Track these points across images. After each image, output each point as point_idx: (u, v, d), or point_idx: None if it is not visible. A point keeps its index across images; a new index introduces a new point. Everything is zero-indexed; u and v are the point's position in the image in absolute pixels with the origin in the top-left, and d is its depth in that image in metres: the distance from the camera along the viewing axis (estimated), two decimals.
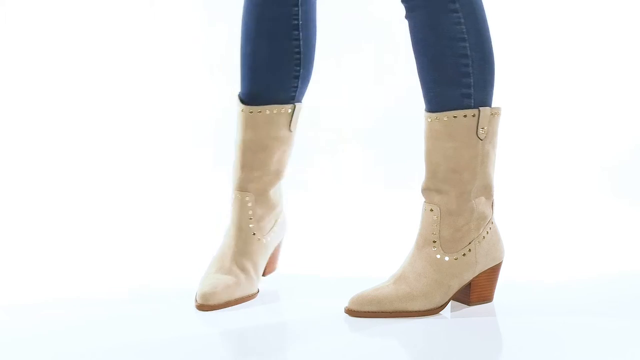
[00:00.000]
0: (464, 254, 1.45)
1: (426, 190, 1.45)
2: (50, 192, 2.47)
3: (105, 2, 2.74)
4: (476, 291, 1.48)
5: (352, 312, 1.42)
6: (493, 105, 1.46)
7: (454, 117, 1.41)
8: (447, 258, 1.44)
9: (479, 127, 1.42)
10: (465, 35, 1.41)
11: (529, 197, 2.55)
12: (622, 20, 2.79)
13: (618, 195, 2.56)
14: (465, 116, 1.41)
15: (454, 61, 1.41)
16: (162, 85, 2.77)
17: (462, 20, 1.41)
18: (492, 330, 1.38)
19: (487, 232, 1.47)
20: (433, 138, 1.43)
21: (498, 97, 2.90)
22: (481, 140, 1.43)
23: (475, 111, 1.41)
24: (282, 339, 1.30)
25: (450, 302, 1.48)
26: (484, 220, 1.46)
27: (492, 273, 1.49)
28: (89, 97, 2.73)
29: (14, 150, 2.61)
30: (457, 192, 1.43)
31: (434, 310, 1.43)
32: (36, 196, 2.44)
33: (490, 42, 1.44)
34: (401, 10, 1.46)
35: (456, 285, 1.44)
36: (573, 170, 2.69)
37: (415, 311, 1.42)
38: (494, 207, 1.50)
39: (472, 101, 1.42)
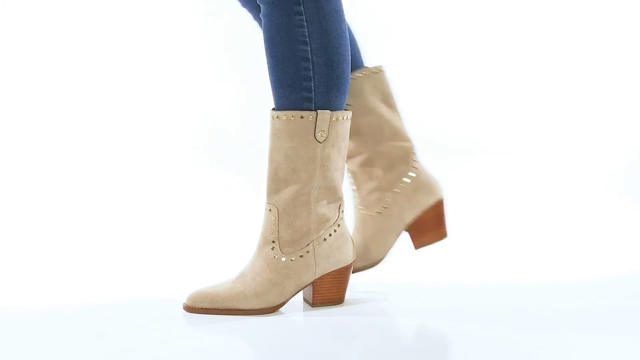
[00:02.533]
0: (302, 255, 1.44)
1: (268, 189, 1.45)
2: (42, 193, 2.50)
3: (106, 1, 2.80)
4: (319, 293, 1.47)
5: (187, 308, 1.44)
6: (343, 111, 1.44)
7: (292, 117, 1.41)
8: (283, 259, 1.44)
9: (317, 130, 1.42)
10: (307, 39, 1.41)
11: (529, 197, 2.51)
12: (627, 23, 2.75)
13: (619, 195, 2.50)
14: (302, 117, 1.41)
15: (295, 64, 1.41)
16: (162, 86, 2.81)
17: (305, 24, 1.41)
18: (492, 329, 1.35)
19: (330, 234, 1.46)
20: (275, 137, 1.43)
21: (505, 100, 2.89)
22: (320, 142, 1.42)
23: (313, 114, 1.41)
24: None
25: (304, 302, 1.48)
26: (325, 223, 1.45)
27: (337, 276, 1.47)
28: (88, 98, 2.77)
29: (13, 150, 2.67)
30: (295, 192, 1.43)
31: (268, 310, 1.43)
32: (34, 197, 2.49)
33: (339, 47, 1.43)
34: None
35: (292, 286, 1.44)
36: (573, 170, 2.65)
37: (247, 310, 1.42)
38: (342, 210, 1.48)
39: (313, 105, 1.42)
